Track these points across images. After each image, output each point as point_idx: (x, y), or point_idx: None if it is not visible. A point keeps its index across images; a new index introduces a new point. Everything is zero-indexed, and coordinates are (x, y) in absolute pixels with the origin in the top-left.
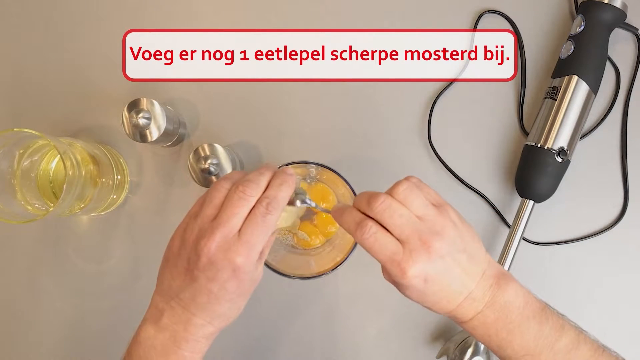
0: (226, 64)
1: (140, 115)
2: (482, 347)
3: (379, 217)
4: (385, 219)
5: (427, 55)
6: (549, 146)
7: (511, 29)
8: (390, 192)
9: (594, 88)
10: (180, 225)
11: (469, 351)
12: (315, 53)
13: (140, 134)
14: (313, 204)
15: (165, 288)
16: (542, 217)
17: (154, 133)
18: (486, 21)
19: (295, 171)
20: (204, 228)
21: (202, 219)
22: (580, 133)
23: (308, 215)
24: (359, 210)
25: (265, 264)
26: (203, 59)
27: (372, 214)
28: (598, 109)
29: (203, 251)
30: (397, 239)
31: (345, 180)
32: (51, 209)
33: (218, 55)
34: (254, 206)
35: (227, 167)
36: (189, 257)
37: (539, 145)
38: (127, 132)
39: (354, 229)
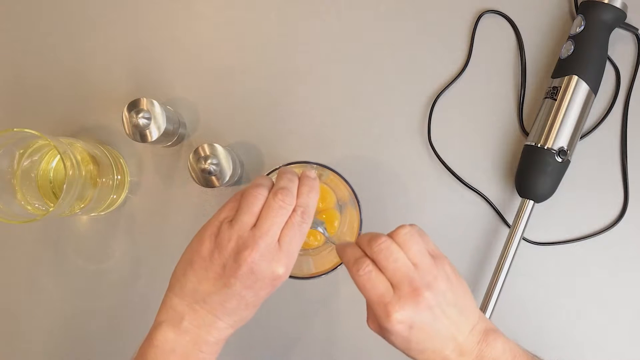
0: (226, 64)
1: (140, 115)
2: None
3: (375, 256)
4: (381, 260)
5: (426, 55)
6: (549, 146)
7: (511, 29)
8: (391, 234)
9: (594, 88)
10: (209, 227)
11: None
12: (314, 53)
13: (140, 134)
14: (327, 235)
15: (188, 291)
16: (542, 217)
17: (154, 133)
18: (486, 21)
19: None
20: (244, 236)
21: (240, 226)
22: (580, 133)
23: None
24: (361, 248)
25: None
26: (203, 59)
27: (370, 253)
28: (598, 109)
29: (246, 261)
30: (390, 282)
31: (346, 180)
32: (51, 209)
33: (218, 55)
34: (290, 215)
35: (227, 167)
36: (224, 264)
37: (539, 145)
38: (127, 132)
39: (351, 264)
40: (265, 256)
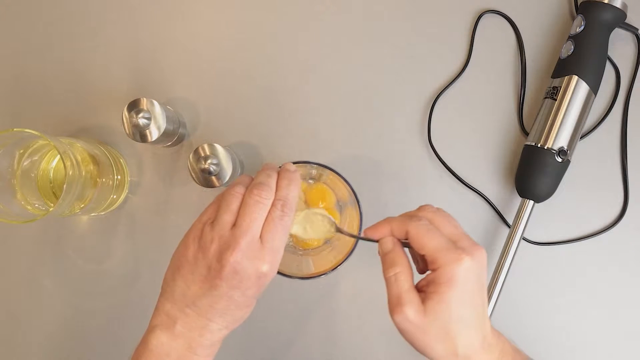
0: (226, 63)
1: (140, 115)
2: None
3: (431, 215)
4: (438, 218)
5: (426, 55)
6: (549, 146)
7: (511, 29)
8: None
9: (594, 88)
10: (192, 231)
11: None
12: (314, 53)
13: (140, 134)
14: (345, 231)
15: (178, 296)
16: (542, 217)
17: (154, 133)
18: (486, 21)
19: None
20: (225, 235)
21: (220, 226)
22: (580, 133)
23: None
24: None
25: None
26: (203, 59)
27: (424, 214)
28: (598, 109)
29: (229, 261)
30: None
31: (346, 180)
32: (51, 209)
33: (218, 55)
34: (269, 210)
35: (227, 167)
36: (209, 266)
37: (539, 145)
38: (127, 132)
39: (407, 220)
40: (247, 255)
